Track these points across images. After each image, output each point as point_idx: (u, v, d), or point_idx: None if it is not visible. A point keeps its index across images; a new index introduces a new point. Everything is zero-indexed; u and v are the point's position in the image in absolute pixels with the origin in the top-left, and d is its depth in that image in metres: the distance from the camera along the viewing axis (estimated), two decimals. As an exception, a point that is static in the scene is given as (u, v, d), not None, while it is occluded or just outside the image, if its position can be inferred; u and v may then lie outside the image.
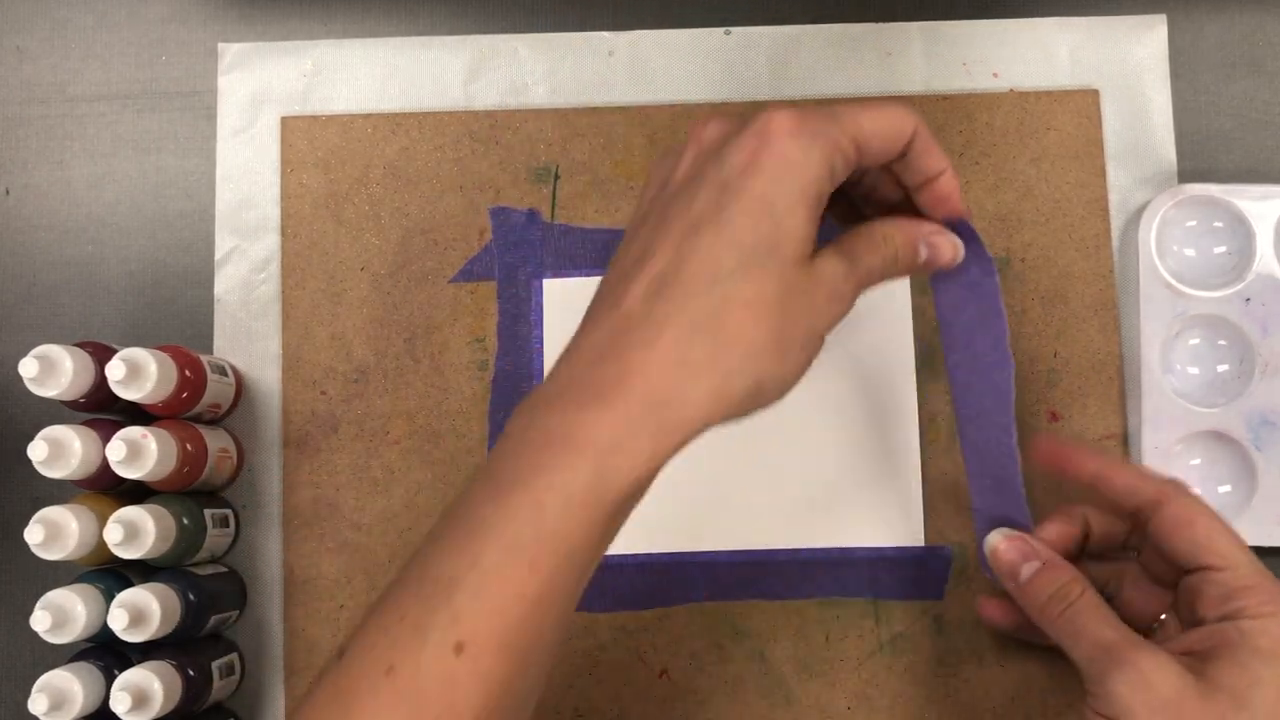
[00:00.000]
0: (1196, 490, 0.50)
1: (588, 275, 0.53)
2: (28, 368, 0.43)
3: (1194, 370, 0.51)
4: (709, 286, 0.37)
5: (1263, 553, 0.50)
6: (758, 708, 0.51)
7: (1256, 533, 0.50)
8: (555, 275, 0.53)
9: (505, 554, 0.35)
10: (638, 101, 0.53)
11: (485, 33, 0.54)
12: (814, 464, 0.51)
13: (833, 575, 0.51)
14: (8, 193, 0.54)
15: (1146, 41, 0.54)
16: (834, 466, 0.51)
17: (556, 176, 0.53)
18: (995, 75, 0.53)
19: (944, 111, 0.53)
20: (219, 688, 0.48)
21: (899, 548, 0.51)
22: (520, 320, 0.52)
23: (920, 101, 0.53)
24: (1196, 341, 0.51)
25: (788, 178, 0.37)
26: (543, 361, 0.52)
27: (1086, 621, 0.42)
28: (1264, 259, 0.50)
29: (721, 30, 0.54)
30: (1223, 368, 0.51)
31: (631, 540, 0.51)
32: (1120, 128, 0.53)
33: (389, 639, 0.35)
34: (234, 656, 0.50)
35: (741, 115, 0.39)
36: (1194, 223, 0.52)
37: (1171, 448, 0.50)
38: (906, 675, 0.51)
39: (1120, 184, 0.53)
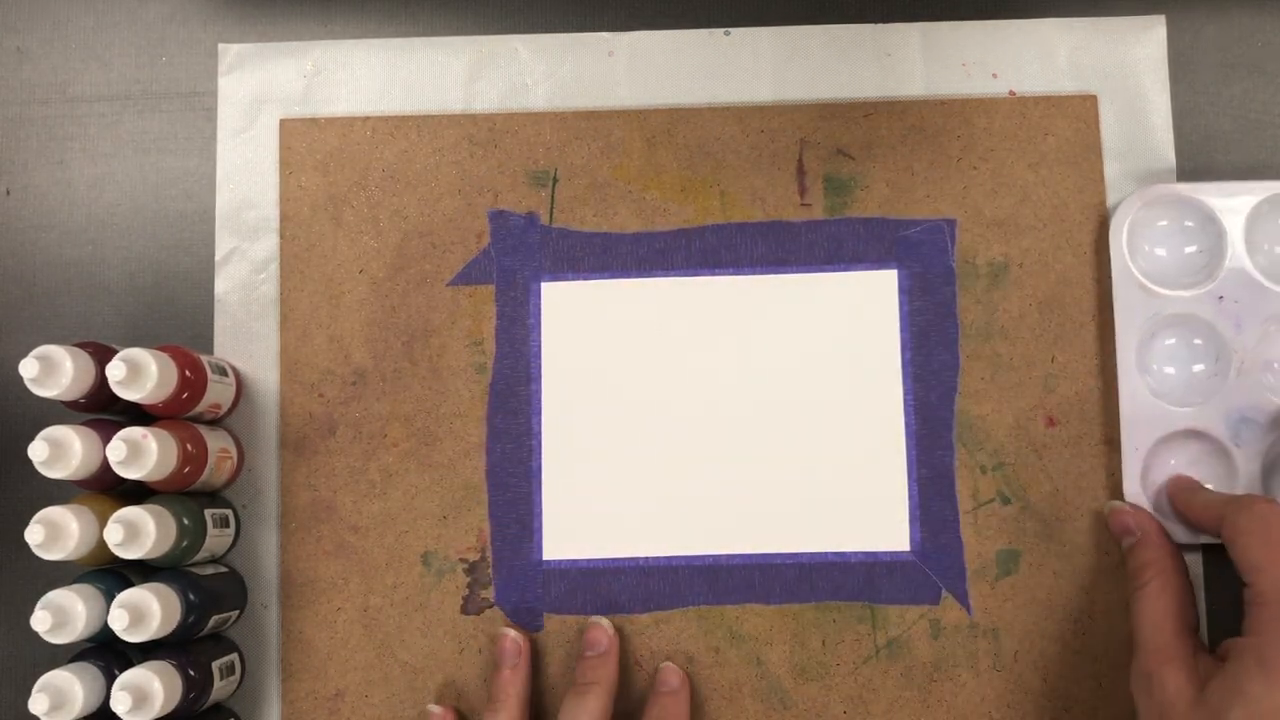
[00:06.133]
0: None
1: (586, 279, 0.53)
2: (28, 368, 0.43)
3: (1170, 370, 0.51)
4: None
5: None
6: (754, 711, 0.51)
7: (1238, 530, 0.50)
8: (554, 278, 0.53)
9: None
10: (637, 103, 0.54)
11: (485, 33, 0.54)
12: (811, 469, 0.51)
13: (829, 579, 0.51)
14: (8, 193, 0.54)
15: (1145, 42, 0.54)
16: (831, 471, 0.51)
17: (555, 180, 0.53)
18: (994, 76, 0.53)
19: (942, 116, 0.53)
20: (219, 688, 0.48)
21: (894, 552, 0.51)
22: (518, 323, 0.53)
23: (919, 106, 0.53)
24: (1172, 341, 0.51)
25: None
26: (541, 365, 0.52)
27: (1142, 609, 0.47)
28: (1235, 255, 0.50)
29: (721, 30, 0.54)
30: (1198, 367, 0.51)
31: (628, 544, 0.51)
32: (1119, 128, 0.53)
33: None
34: (234, 656, 0.50)
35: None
36: (1165, 222, 0.52)
37: (1151, 448, 0.50)
38: (902, 679, 0.51)
39: (1119, 185, 0.53)
